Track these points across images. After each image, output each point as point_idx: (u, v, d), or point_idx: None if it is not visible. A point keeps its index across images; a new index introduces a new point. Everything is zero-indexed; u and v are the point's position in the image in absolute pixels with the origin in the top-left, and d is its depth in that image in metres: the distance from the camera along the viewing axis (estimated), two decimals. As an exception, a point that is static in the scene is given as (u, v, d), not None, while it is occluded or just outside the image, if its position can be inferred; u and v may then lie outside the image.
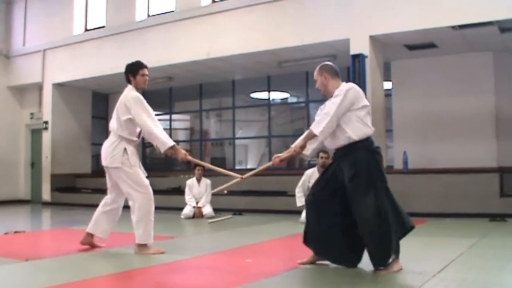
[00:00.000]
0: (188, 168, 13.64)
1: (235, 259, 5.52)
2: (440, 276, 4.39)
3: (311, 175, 9.21)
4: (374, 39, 10.20)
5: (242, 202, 11.89)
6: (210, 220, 9.64)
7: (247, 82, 14.42)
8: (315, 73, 5.08)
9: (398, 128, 11.87)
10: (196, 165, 10.36)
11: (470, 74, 10.93)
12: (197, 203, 10.51)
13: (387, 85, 11.60)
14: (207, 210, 10.47)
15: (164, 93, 15.58)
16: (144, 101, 5.76)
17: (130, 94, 5.78)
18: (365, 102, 4.84)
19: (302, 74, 12.99)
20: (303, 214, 8.99)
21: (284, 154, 5.06)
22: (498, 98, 10.73)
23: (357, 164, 4.67)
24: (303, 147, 4.94)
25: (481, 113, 10.67)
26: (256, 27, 11.35)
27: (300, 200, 9.09)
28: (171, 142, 5.66)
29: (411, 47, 10.86)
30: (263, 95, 14.55)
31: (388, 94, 11.50)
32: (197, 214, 10.37)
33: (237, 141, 15.24)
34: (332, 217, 4.78)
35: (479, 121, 10.77)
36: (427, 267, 4.74)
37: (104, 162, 5.84)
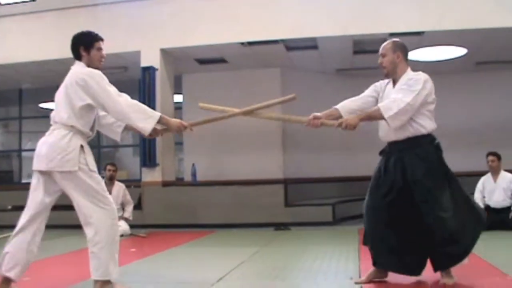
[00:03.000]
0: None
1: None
2: (219, 285, 4.47)
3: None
4: (165, 52, 10.23)
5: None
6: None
7: (37, 92, 13.71)
8: (385, 47, 4.52)
9: (189, 140, 12.01)
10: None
11: (259, 88, 11.32)
12: None
13: (178, 98, 11.70)
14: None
15: None
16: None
17: (85, 70, 4.21)
18: (434, 95, 4.37)
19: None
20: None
21: (327, 121, 4.42)
22: (285, 112, 11.22)
23: (429, 158, 4.23)
24: (355, 126, 4.29)
25: (269, 127, 11.07)
26: (46, 34, 10.81)
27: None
28: (157, 113, 4.25)
29: (202, 62, 11.06)
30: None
31: (179, 107, 11.59)
32: None
33: (25, 154, 14.39)
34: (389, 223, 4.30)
35: (268, 134, 11.24)
36: (206, 277, 4.80)
37: (47, 164, 4.08)
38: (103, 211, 4.09)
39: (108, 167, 9.07)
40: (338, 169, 12.11)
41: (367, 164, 12.18)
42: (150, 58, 10.08)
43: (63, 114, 4.14)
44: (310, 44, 10.13)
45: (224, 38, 9.76)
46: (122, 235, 8.60)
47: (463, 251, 4.15)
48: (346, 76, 12.41)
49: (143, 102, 9.20)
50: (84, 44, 4.33)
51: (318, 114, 4.46)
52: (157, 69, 10.07)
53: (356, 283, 4.43)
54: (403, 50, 4.52)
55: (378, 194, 4.39)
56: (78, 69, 4.25)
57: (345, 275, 4.88)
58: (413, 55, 10.78)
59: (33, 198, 4.15)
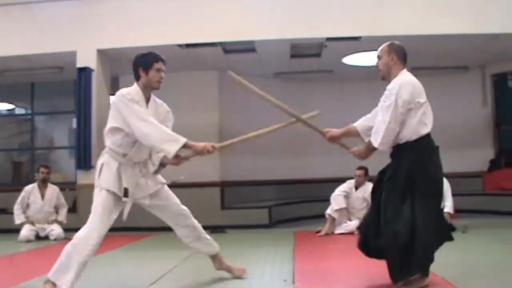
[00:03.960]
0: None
1: None
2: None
3: (31, 191, 8.85)
4: (102, 53, 10.04)
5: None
6: None
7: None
8: (382, 50, 4.51)
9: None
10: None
11: (196, 91, 11.30)
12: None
13: (116, 99, 11.54)
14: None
15: None
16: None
17: (118, 93, 4.43)
18: (424, 96, 4.28)
19: (28, 85, 12.32)
20: (22, 231, 8.56)
21: (344, 144, 4.65)
22: (222, 115, 11.27)
23: (399, 166, 4.19)
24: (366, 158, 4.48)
25: (207, 129, 10.99)
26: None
27: (18, 218, 8.63)
28: (182, 138, 4.31)
29: (139, 63, 10.91)
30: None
31: (116, 108, 11.42)
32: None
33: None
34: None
35: (205, 136, 10.89)
36: (139, 281, 4.78)
37: None
38: (90, 229, 4.25)
39: (41, 169, 8.90)
40: (276, 172, 12.19)
41: (304, 167, 12.50)
42: (87, 58, 9.85)
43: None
44: (248, 47, 10.15)
45: (161, 39, 9.65)
46: (55, 239, 8.51)
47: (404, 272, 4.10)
48: (284, 80, 12.51)
49: (79, 103, 9.10)
50: (143, 65, 4.46)
51: (336, 131, 4.73)
52: (93, 70, 9.85)
53: None
54: (399, 52, 4.51)
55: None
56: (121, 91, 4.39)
57: (279, 278, 4.93)
58: (351, 60, 11.00)
59: None
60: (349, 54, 10.80)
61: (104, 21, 9.92)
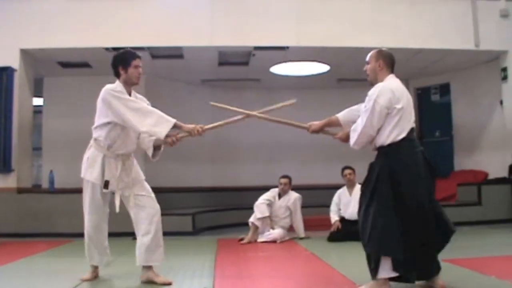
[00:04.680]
0: None
1: None
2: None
3: None
4: (25, 53, 9.75)
5: None
6: None
7: None
8: (371, 55, 4.64)
9: (48, 146, 11.54)
10: None
11: (123, 95, 11.08)
12: None
13: (39, 101, 11.26)
14: None
15: None
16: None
17: (105, 87, 4.85)
18: (402, 103, 4.29)
19: None
20: None
21: (327, 130, 4.82)
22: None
23: (373, 170, 4.35)
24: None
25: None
26: None
27: None
28: (172, 119, 4.70)
29: (65, 65, 10.71)
30: None
31: (39, 110, 11.14)
32: None
33: None
34: None
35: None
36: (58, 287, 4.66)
37: None
38: (85, 220, 4.99)
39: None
40: (201, 179, 12.16)
41: (229, 175, 12.49)
42: (9, 58, 9.55)
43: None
44: (175, 53, 10.10)
45: (88, 42, 9.50)
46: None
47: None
48: (211, 87, 12.51)
49: None
50: (122, 62, 4.86)
51: (317, 124, 4.87)
52: (16, 70, 9.56)
53: None
54: (386, 59, 4.60)
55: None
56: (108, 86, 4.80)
57: (199, 285, 4.90)
58: (278, 69, 11.10)
59: None
60: (276, 64, 10.89)
61: (29, 20, 9.64)
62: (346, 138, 4.64)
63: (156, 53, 10.14)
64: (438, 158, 12.62)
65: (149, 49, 9.77)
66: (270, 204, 8.64)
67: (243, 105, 12.37)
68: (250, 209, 8.73)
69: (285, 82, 12.03)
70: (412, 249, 4.11)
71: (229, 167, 12.60)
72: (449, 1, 10.21)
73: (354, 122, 4.55)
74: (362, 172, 7.67)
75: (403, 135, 4.28)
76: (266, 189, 8.91)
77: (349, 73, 11.45)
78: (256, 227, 8.54)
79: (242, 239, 8.50)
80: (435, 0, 10.11)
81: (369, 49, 9.98)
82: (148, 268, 4.96)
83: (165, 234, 9.50)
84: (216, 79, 12.13)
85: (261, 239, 8.46)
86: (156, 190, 10.61)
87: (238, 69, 11.29)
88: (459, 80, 12.18)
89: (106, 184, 4.79)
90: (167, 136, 4.67)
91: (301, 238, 8.67)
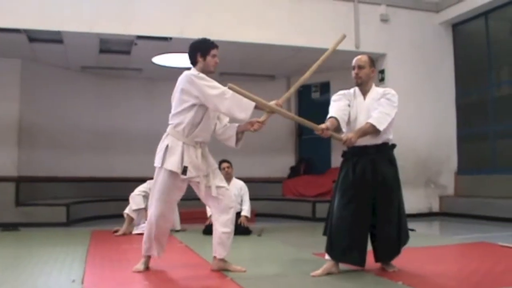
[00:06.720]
0: None
1: None
2: None
3: None
4: None
5: None
6: None
7: None
8: (363, 60, 5.01)
9: None
10: None
11: (-3, 79, 10.58)
12: None
13: None
14: None
15: None
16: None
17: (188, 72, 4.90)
18: None
19: None
20: None
21: (336, 134, 4.78)
22: (22, 106, 10.65)
23: (395, 164, 4.85)
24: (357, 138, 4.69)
25: (5, 120, 10.40)
26: None
27: None
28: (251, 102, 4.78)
29: None
30: None
31: None
32: None
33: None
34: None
35: (2, 128, 10.44)
36: None
37: None
38: (152, 207, 4.95)
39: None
40: (77, 169, 11.81)
41: (106, 166, 12.23)
42: None
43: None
44: (54, 38, 9.72)
45: None
46: None
47: (400, 249, 4.82)
48: (91, 74, 12.21)
49: None
50: (201, 51, 4.92)
51: (327, 125, 4.86)
52: None
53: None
54: (376, 67, 5.17)
55: (348, 194, 4.72)
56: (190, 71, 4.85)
57: (67, 277, 4.76)
58: (160, 60, 10.98)
59: None
60: (159, 54, 10.78)
61: None
62: (354, 141, 4.74)
63: (34, 36, 9.69)
64: (316, 155, 12.99)
65: (25, 31, 9.32)
66: (146, 196, 8.53)
67: (124, 95, 12.34)
68: (126, 200, 8.60)
69: (168, 73, 11.87)
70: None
71: (106, 157, 12.33)
72: (333, 2, 10.52)
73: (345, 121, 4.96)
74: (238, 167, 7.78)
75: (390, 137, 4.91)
76: (143, 180, 8.77)
77: (232, 67, 11.52)
78: (131, 219, 8.43)
79: (116, 231, 8.37)
80: (319, -1, 10.39)
81: (253, 44, 10.15)
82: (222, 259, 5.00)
83: (37, 225, 9.33)
84: (97, 66, 11.82)
85: (136, 231, 8.35)
86: (29, 179, 10.38)
87: (120, 57, 11.06)
88: (339, 79, 12.54)
89: (184, 170, 4.78)
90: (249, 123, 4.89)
91: (177, 231, 8.61)
